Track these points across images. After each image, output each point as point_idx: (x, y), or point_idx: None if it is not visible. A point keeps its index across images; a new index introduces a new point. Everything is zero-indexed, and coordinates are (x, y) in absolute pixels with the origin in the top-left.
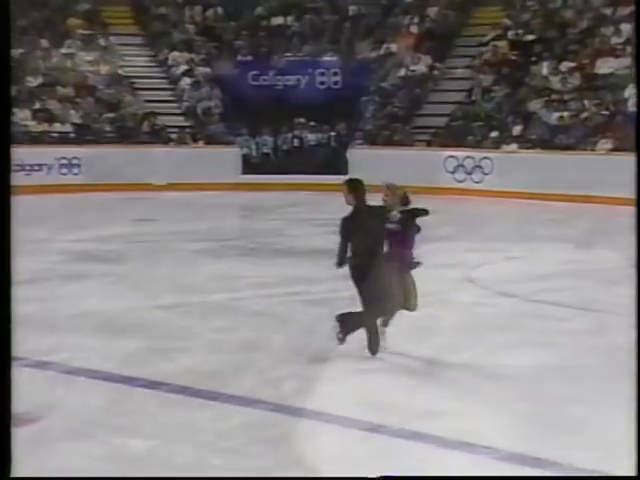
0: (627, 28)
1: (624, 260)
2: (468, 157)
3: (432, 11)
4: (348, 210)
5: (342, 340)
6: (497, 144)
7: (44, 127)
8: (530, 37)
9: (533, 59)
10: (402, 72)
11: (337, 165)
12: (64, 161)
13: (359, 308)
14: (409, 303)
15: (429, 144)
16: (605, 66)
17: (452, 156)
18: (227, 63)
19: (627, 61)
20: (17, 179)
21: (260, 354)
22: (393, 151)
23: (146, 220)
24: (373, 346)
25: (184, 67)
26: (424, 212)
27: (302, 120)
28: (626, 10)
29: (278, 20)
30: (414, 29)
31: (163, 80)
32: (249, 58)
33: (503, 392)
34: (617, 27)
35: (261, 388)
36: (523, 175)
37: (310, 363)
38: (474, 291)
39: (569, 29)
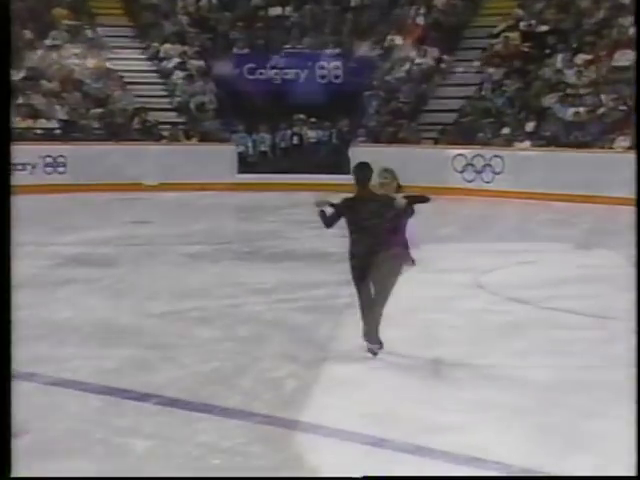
0: None
1: None
2: (478, 155)
3: (439, 1)
4: None
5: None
6: (508, 142)
7: (28, 123)
8: (543, 28)
9: (547, 51)
10: (407, 66)
11: (338, 164)
12: (49, 160)
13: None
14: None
15: (436, 142)
16: (623, 58)
17: (461, 154)
18: (222, 56)
19: None
20: None
21: (257, 363)
22: (398, 149)
23: (137, 222)
24: (374, 345)
25: (176, 60)
26: (426, 199)
27: (302, 116)
28: None
29: (276, 10)
30: (420, 20)
31: (154, 74)
32: (245, 51)
33: (514, 404)
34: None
35: (257, 398)
36: (536, 174)
37: (309, 371)
38: (484, 297)
39: (585, 19)
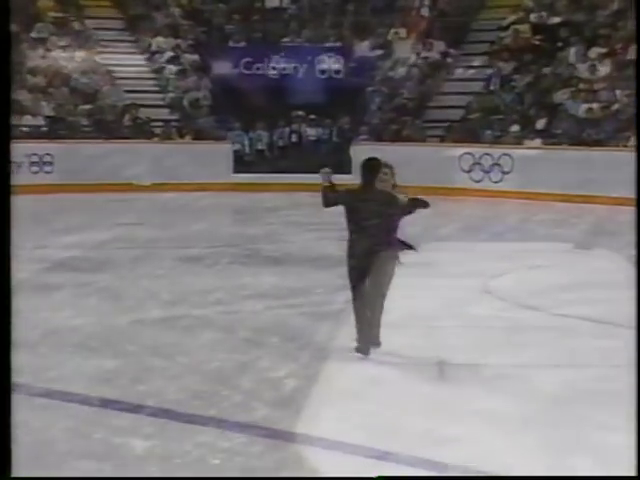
0: None
1: None
2: (486, 154)
3: None
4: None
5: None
6: (518, 139)
7: (13, 120)
8: (555, 20)
9: (559, 45)
10: (412, 60)
11: (339, 163)
12: (35, 158)
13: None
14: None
15: (442, 140)
16: None
17: (468, 153)
18: (217, 50)
19: None
20: None
21: (253, 373)
22: (402, 148)
23: (128, 225)
24: (364, 346)
25: (169, 54)
26: (426, 204)
27: (300, 113)
28: None
29: (274, 2)
30: (425, 12)
31: (145, 68)
32: (242, 44)
33: (525, 416)
34: None
35: (254, 409)
36: (547, 174)
37: (308, 382)
38: (492, 303)
39: (599, 11)
